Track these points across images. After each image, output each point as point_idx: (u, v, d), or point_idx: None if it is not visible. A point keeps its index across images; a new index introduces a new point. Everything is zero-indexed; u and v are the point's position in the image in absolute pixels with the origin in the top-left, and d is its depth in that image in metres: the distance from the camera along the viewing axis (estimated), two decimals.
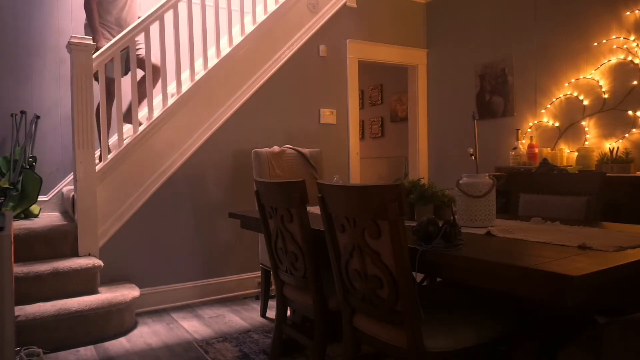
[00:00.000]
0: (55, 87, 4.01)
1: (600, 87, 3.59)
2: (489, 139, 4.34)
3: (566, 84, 3.81)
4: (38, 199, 3.63)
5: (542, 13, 3.97)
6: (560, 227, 1.91)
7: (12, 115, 3.78)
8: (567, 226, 1.93)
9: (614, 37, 3.51)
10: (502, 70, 4.28)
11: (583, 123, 3.71)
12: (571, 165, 3.61)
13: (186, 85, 3.66)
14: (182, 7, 3.71)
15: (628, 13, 3.44)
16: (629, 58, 3.43)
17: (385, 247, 1.55)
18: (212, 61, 3.75)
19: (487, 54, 4.41)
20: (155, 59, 3.66)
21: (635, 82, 3.40)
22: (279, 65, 4.05)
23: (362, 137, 6.68)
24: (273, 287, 3.07)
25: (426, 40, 4.99)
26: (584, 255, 1.38)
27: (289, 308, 2.51)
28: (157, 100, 3.86)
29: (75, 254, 3.16)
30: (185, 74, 3.87)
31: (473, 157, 3.46)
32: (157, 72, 3.66)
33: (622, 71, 3.48)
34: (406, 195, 2.07)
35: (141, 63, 3.61)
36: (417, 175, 4.78)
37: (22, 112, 3.82)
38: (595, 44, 3.61)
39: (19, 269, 2.83)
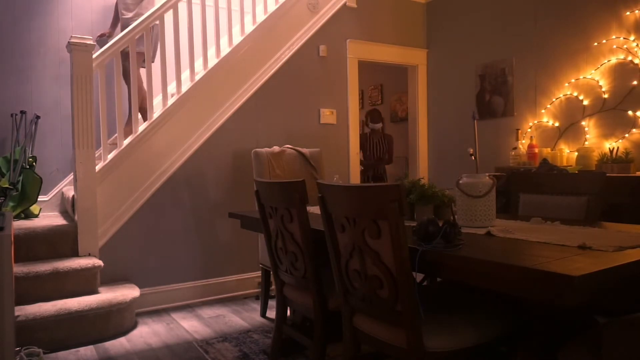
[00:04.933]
0: (55, 87, 4.01)
1: (600, 87, 3.60)
2: (489, 139, 4.34)
3: (566, 84, 3.81)
4: (38, 199, 3.63)
5: (542, 13, 3.97)
6: (560, 227, 1.91)
7: (12, 115, 3.78)
8: (567, 226, 1.93)
9: (614, 37, 3.51)
10: (502, 70, 4.28)
11: (583, 123, 3.71)
12: (571, 165, 3.61)
13: (186, 85, 3.66)
14: (182, 7, 3.71)
15: (628, 13, 3.44)
16: (629, 58, 3.43)
17: (385, 247, 1.55)
18: (212, 61, 3.75)
19: (487, 54, 4.41)
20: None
21: (635, 82, 3.40)
22: (279, 65, 4.05)
23: None
24: (273, 287, 3.07)
25: (426, 40, 4.99)
26: (584, 255, 1.38)
27: (289, 308, 2.51)
28: (157, 100, 3.87)
29: (75, 254, 3.16)
30: (185, 74, 3.87)
31: (473, 157, 3.46)
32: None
33: (622, 71, 3.48)
34: (406, 195, 2.07)
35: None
36: (417, 175, 4.78)
37: (22, 112, 3.82)
38: (595, 44, 3.61)
39: (19, 269, 2.83)
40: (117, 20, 4.06)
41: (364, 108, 6.73)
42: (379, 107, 6.61)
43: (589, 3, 3.64)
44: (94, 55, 3.23)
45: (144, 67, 3.65)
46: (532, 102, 4.07)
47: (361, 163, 4.97)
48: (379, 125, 5.20)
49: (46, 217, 3.66)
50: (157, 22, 3.57)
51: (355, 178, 4.51)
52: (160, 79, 3.61)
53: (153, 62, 3.76)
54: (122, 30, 3.52)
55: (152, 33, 3.74)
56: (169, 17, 3.60)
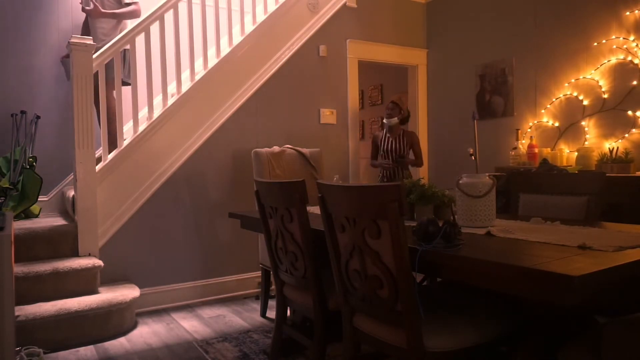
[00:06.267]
0: (55, 87, 4.01)
1: (600, 87, 3.59)
2: (489, 139, 4.34)
3: (566, 84, 3.81)
4: (38, 199, 3.63)
5: (542, 13, 3.97)
6: (560, 227, 1.91)
7: (12, 115, 3.78)
8: (567, 226, 1.93)
9: (613, 37, 3.51)
10: (502, 70, 4.28)
11: (583, 123, 3.71)
12: (571, 165, 3.61)
13: (186, 85, 3.66)
14: (182, 7, 3.71)
15: (628, 13, 3.44)
16: (629, 58, 3.43)
17: (385, 247, 1.55)
18: (212, 61, 3.75)
19: (487, 54, 4.41)
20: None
21: (635, 82, 3.40)
22: (279, 65, 4.05)
23: (362, 137, 6.68)
24: (273, 287, 3.07)
25: (426, 40, 4.99)
26: (584, 255, 1.38)
27: (289, 308, 2.51)
28: (157, 100, 3.87)
29: (75, 254, 3.16)
30: (185, 74, 3.87)
31: (473, 157, 3.46)
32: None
33: (621, 71, 3.48)
34: (406, 195, 2.07)
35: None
36: (417, 175, 4.77)
37: (22, 112, 3.82)
38: (595, 44, 3.61)
39: (19, 269, 2.83)
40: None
41: (364, 108, 6.73)
42: (378, 107, 6.61)
43: (589, 3, 3.64)
44: (94, 55, 3.23)
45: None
46: (532, 102, 4.07)
47: (376, 166, 4.36)
48: (394, 121, 4.15)
49: (46, 217, 3.66)
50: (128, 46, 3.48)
51: (355, 178, 4.51)
52: (161, 79, 3.62)
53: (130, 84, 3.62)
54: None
55: (124, 56, 3.65)
56: (169, 17, 3.60)
